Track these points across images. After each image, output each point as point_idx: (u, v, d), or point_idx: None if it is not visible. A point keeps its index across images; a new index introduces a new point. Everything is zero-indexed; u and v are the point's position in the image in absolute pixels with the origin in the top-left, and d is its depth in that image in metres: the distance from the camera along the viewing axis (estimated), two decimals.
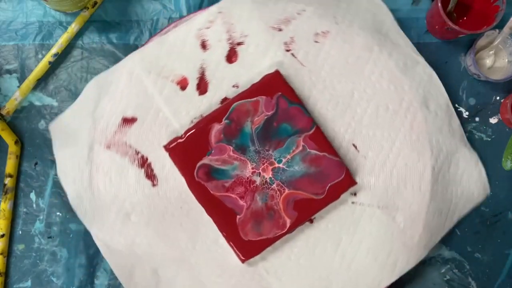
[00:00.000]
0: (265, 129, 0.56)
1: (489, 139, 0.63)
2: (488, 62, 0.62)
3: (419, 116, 0.57)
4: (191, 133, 0.55)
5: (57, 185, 0.60)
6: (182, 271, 0.56)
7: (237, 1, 0.58)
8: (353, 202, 0.57)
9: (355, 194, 0.57)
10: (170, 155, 0.55)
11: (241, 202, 0.55)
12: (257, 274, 0.56)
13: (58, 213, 0.60)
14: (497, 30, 0.60)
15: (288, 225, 0.54)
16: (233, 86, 0.58)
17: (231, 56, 0.58)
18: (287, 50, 0.58)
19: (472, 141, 0.62)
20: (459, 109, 0.63)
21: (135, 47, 0.61)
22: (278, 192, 0.55)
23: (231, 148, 0.55)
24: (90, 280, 0.59)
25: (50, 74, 0.61)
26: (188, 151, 0.55)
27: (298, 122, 0.56)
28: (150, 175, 0.56)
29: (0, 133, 0.59)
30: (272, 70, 0.57)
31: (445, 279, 0.61)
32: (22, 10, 0.61)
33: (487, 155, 0.62)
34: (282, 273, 0.56)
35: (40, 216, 0.60)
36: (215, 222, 0.55)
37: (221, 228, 0.55)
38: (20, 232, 0.60)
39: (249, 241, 0.54)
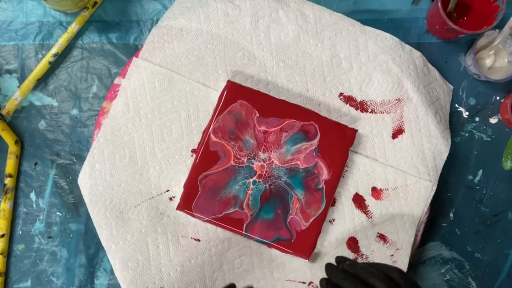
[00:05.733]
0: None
1: (489, 139, 0.63)
2: (488, 62, 0.62)
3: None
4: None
5: (57, 185, 0.60)
6: None
7: None
8: None
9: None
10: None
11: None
12: None
13: (58, 213, 0.60)
14: (497, 30, 0.60)
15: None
16: None
17: None
18: None
19: (472, 141, 0.62)
20: (459, 109, 0.63)
21: (135, 47, 0.61)
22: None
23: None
24: (90, 280, 0.59)
25: (50, 74, 0.61)
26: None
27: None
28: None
29: (0, 133, 0.59)
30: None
31: (445, 279, 0.61)
32: (22, 10, 0.61)
33: (487, 155, 0.62)
34: None
35: (40, 216, 0.60)
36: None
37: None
38: (20, 232, 0.60)
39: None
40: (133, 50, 0.61)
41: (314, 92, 0.59)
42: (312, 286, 0.57)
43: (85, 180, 0.56)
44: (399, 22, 0.63)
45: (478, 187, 0.62)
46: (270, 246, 0.56)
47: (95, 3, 0.61)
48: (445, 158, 0.59)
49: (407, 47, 0.60)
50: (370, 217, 0.57)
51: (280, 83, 0.58)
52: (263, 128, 0.56)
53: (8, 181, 0.59)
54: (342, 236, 0.57)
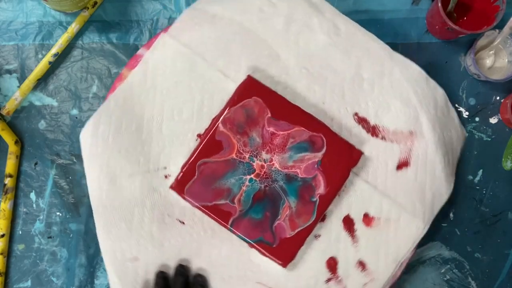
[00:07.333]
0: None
1: (489, 139, 0.63)
2: (488, 62, 0.62)
3: None
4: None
5: (57, 185, 0.60)
6: None
7: None
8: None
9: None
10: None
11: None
12: None
13: (58, 213, 0.60)
14: (497, 30, 0.60)
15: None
16: None
17: None
18: None
19: (472, 141, 0.62)
20: (459, 109, 0.63)
21: (135, 47, 0.61)
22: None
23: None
24: (90, 280, 0.60)
25: (50, 74, 0.61)
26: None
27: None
28: None
29: (0, 133, 0.59)
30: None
31: (445, 279, 0.61)
32: (22, 10, 0.61)
33: (487, 155, 0.62)
34: None
35: (40, 216, 0.60)
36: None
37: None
38: (20, 232, 0.60)
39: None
40: (133, 50, 0.61)
41: (330, 106, 0.57)
42: None
43: (86, 138, 0.56)
44: (399, 22, 0.63)
45: (478, 187, 0.62)
46: (251, 246, 0.55)
47: (95, 3, 0.61)
48: (443, 203, 0.57)
49: (432, 82, 0.58)
50: (356, 242, 0.56)
51: (299, 90, 0.58)
52: (271, 129, 0.56)
53: (8, 181, 0.59)
54: (324, 253, 0.56)
